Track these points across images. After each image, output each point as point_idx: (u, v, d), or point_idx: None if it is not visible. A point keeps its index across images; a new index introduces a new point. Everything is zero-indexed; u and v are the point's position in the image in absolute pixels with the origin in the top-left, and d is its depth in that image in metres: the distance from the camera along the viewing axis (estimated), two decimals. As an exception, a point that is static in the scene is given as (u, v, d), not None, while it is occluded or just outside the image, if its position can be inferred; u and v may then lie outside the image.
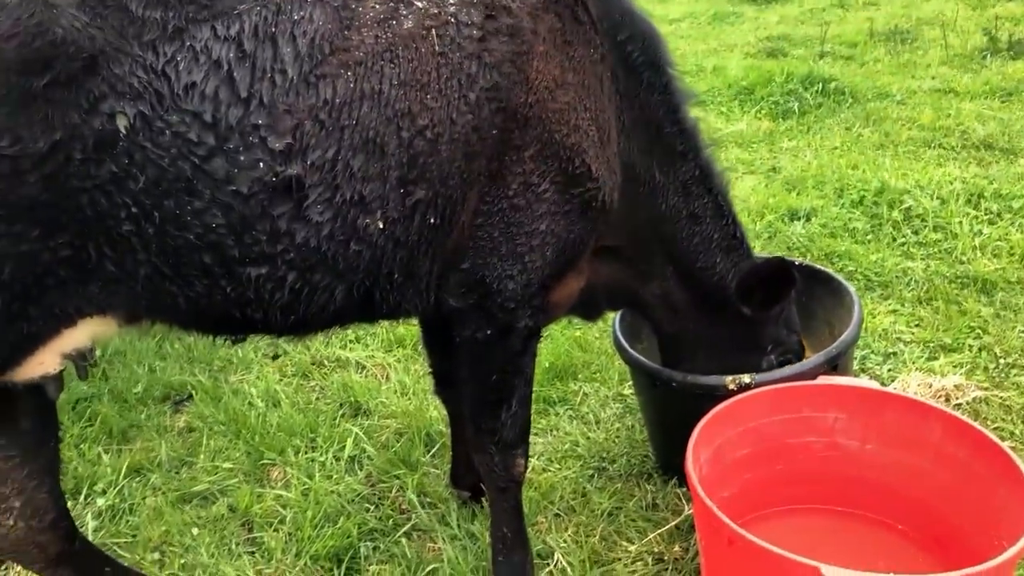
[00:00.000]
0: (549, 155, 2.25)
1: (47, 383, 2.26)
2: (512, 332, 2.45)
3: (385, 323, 3.63)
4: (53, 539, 2.43)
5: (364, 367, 4.18)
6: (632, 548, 2.86)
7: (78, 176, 1.88)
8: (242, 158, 1.95)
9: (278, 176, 1.98)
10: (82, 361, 2.28)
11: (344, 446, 3.52)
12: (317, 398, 3.93)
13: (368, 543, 3.01)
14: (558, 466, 3.33)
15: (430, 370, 3.02)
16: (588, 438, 3.45)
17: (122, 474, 3.42)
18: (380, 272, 2.21)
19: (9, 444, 2.33)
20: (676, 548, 2.83)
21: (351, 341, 4.33)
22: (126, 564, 2.79)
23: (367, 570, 2.91)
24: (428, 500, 3.22)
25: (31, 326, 2.05)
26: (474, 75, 2.12)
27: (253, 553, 3.03)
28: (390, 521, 3.12)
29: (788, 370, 2.74)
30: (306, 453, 3.51)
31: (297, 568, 2.94)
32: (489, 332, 2.44)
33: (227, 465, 3.45)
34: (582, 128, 2.27)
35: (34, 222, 1.90)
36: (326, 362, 4.21)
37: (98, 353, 4.12)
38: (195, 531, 3.13)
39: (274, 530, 3.11)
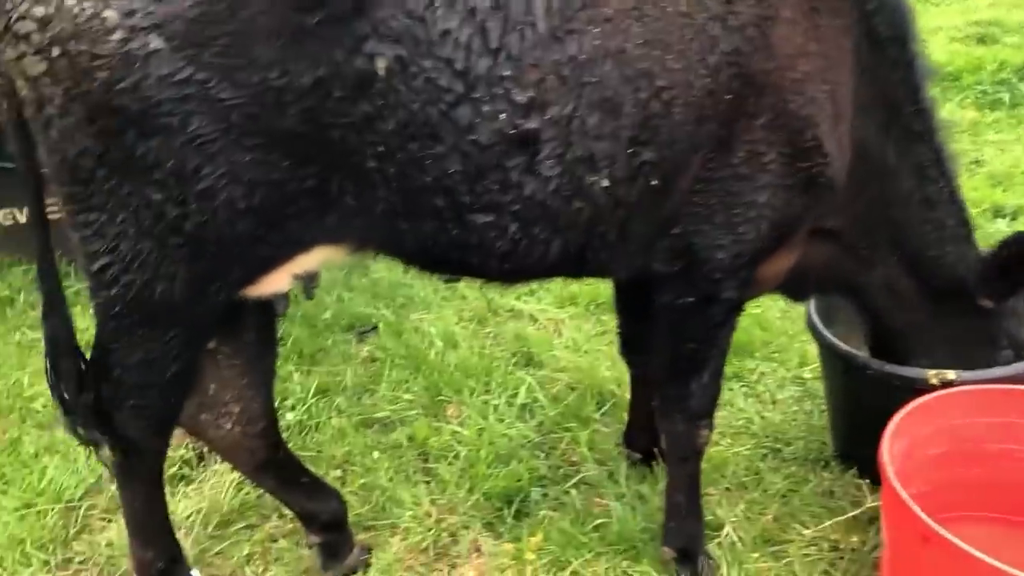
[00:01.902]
0: (780, 125, 2.21)
1: (276, 300, 2.42)
2: (714, 302, 2.44)
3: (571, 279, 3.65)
4: (261, 446, 2.63)
5: (536, 320, 4.25)
6: (806, 533, 2.82)
7: (333, 113, 1.99)
8: (486, 108, 2.01)
9: (517, 129, 2.04)
10: (309, 283, 2.44)
11: (517, 393, 3.61)
12: (491, 344, 4.03)
13: (538, 488, 3.10)
14: (730, 441, 3.31)
15: (619, 331, 3.04)
16: (763, 417, 3.41)
17: (310, 393, 3.63)
18: (596, 230, 2.24)
19: (234, 353, 2.53)
20: (854, 538, 2.77)
21: (525, 294, 4.41)
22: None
23: (536, 514, 3.00)
24: (596, 456, 3.27)
25: (271, 249, 2.21)
26: (717, 38, 2.10)
27: (428, 483, 3.17)
28: (560, 471, 3.20)
29: (999, 371, 2.61)
30: (480, 395, 3.62)
31: (469, 503, 3.06)
32: (691, 300, 2.44)
33: (407, 397, 3.62)
34: (818, 100, 2.21)
35: (287, 153, 2.03)
36: (501, 311, 4.31)
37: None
38: (375, 455, 3.31)
39: (448, 464, 3.25)
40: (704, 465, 3.10)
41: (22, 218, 4.65)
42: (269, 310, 2.54)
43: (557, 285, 4.43)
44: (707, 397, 2.58)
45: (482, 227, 2.17)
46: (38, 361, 3.93)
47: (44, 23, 1.91)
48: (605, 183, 2.14)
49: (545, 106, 2.03)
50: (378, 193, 2.11)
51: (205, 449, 3.27)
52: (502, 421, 3.46)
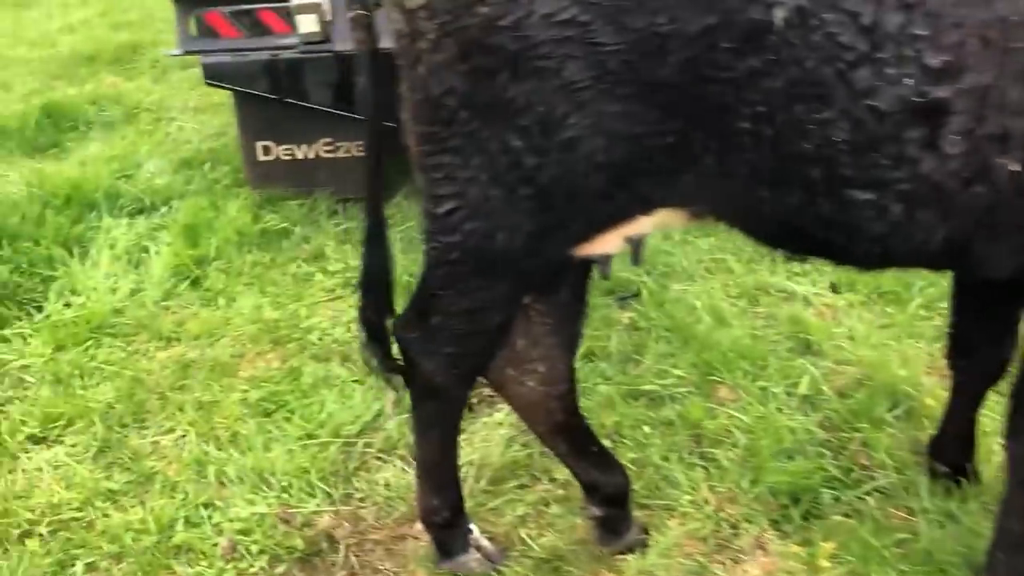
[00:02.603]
0: None
1: (603, 262, 2.31)
2: None
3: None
4: (560, 408, 2.54)
5: (810, 303, 3.96)
6: None
7: (715, 65, 1.82)
8: (891, 71, 1.77)
9: (923, 97, 1.77)
10: (637, 246, 2.31)
11: (798, 383, 3.37)
12: (764, 325, 3.79)
13: (828, 490, 2.86)
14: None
15: (950, 333, 2.71)
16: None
17: (576, 357, 3.54)
18: (987, 220, 1.95)
19: (548, 311, 2.44)
20: None
21: (798, 273, 4.12)
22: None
23: (828, 518, 2.77)
24: (893, 463, 2.98)
25: (615, 208, 2.09)
26: None
27: (705, 468, 3.00)
28: (851, 474, 2.94)
29: None
30: (756, 380, 3.40)
31: (752, 495, 2.86)
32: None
33: (677, 372, 3.45)
34: None
35: (656, 105, 1.88)
36: (771, 290, 4.05)
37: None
38: (646, 429, 3.17)
39: (726, 450, 3.06)
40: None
41: (299, 153, 4.82)
42: (586, 271, 2.43)
43: (831, 268, 4.11)
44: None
45: (860, 205, 1.92)
46: (314, 293, 4.10)
47: (428, -48, 1.85)
48: (1015, 167, 1.85)
49: (960, 73, 1.76)
50: (745, 156, 1.92)
51: (475, 400, 3.26)
52: (782, 411, 3.23)
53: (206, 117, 6.35)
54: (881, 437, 3.05)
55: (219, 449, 3.16)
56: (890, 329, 3.73)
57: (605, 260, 2.30)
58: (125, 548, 2.77)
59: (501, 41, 1.82)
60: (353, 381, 3.50)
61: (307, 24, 3.87)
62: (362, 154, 4.76)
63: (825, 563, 2.59)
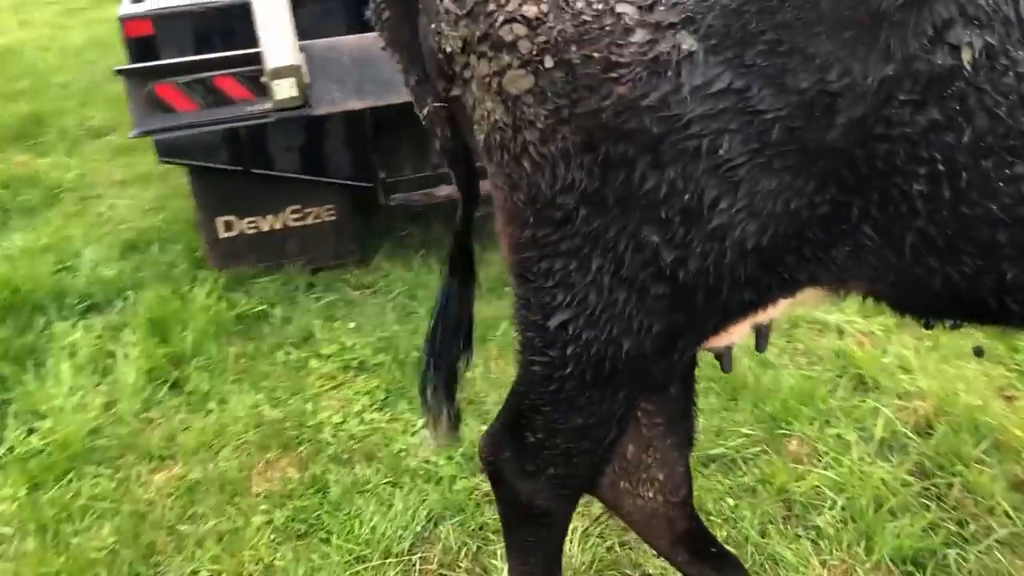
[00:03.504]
0: None
1: (726, 353, 2.02)
2: None
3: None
4: (682, 515, 2.24)
5: (844, 332, 3.76)
6: None
7: (889, 121, 1.54)
8: None
9: None
10: (765, 331, 2.02)
11: (867, 426, 3.14)
12: (809, 363, 3.57)
13: (952, 549, 2.62)
14: None
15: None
16: None
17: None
18: None
19: (658, 411, 2.14)
20: None
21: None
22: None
23: (961, 581, 2.54)
24: (1002, 507, 2.77)
25: (755, 295, 1.78)
26: None
27: (809, 538, 2.73)
28: (967, 527, 2.71)
29: None
30: (823, 428, 3.16)
31: (869, 564, 2.61)
32: None
33: (743, 430, 3.18)
34: None
35: (815, 175, 1.60)
36: (803, 323, 3.83)
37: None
38: (731, 501, 2.89)
39: (821, 514, 2.80)
40: None
41: (265, 225, 4.41)
42: (695, 360, 2.13)
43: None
44: None
45: None
46: (313, 383, 3.70)
47: (536, 24, 1.52)
48: None
49: None
50: (914, 223, 1.65)
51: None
52: (865, 461, 2.99)
53: (136, 191, 5.84)
54: (982, 479, 2.84)
55: (255, 589, 2.75)
56: (937, 351, 3.55)
57: (727, 351, 2.02)
58: None
59: (643, 124, 1.51)
60: (387, 483, 3.11)
61: (284, 89, 3.48)
62: (332, 218, 4.45)
63: (976, 635, 2.36)
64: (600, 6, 1.49)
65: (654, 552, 2.48)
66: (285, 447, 3.36)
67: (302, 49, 3.69)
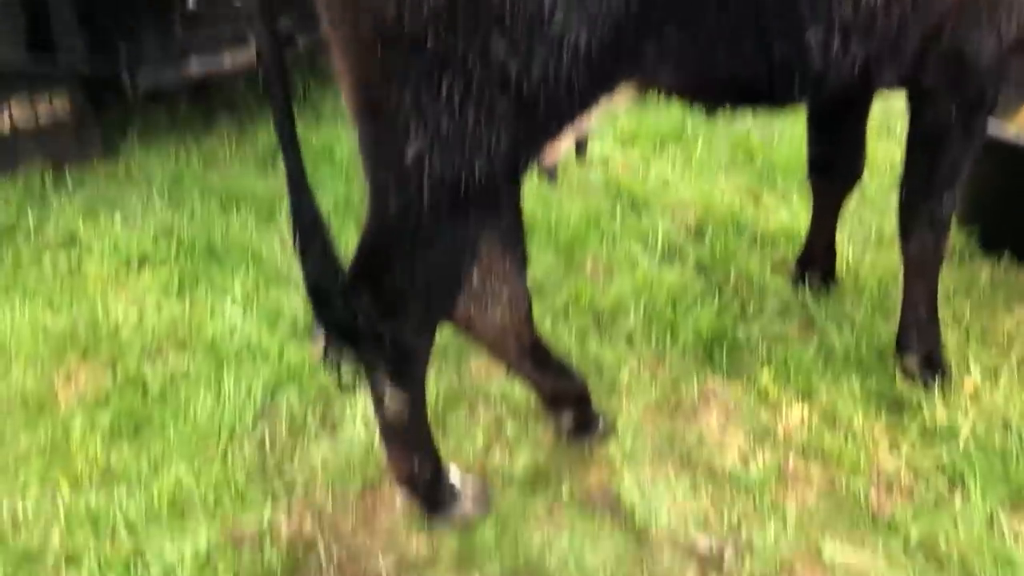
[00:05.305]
0: None
1: (552, 168, 2.18)
2: (979, 108, 2.43)
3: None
4: (526, 329, 2.42)
5: (608, 163, 4.08)
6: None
7: None
8: None
9: None
10: (582, 145, 2.21)
11: (646, 239, 3.50)
12: (585, 194, 3.85)
13: (739, 326, 3.05)
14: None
15: (810, 157, 2.98)
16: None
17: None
18: (891, 41, 2.14)
19: (495, 236, 2.27)
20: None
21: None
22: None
23: (752, 349, 2.95)
24: (766, 286, 3.23)
25: (583, 96, 1.93)
26: None
27: (627, 340, 3.04)
28: (749, 306, 3.16)
29: None
30: (611, 246, 3.48)
31: (676, 351, 2.98)
32: (956, 111, 2.41)
33: (546, 259, 3.40)
34: None
35: None
36: (571, 164, 4.07)
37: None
38: (548, 322, 3.13)
39: (628, 319, 3.12)
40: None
41: None
42: (519, 187, 2.26)
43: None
44: (953, 204, 2.59)
45: (811, 46, 2.00)
46: (92, 284, 3.44)
47: None
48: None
49: None
50: (707, 16, 1.89)
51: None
52: (652, 268, 3.35)
53: None
54: (751, 266, 3.30)
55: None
56: (691, 169, 3.99)
57: (554, 167, 2.17)
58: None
59: None
60: (210, 368, 3.03)
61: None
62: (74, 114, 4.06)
63: (771, 386, 2.78)
64: None
65: (499, 370, 2.65)
66: (84, 353, 3.14)
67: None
